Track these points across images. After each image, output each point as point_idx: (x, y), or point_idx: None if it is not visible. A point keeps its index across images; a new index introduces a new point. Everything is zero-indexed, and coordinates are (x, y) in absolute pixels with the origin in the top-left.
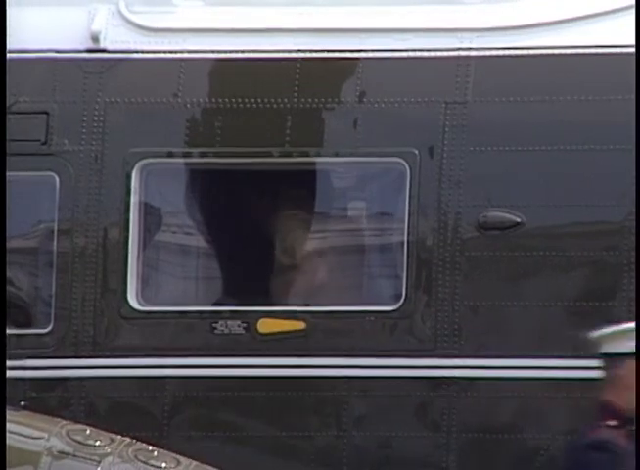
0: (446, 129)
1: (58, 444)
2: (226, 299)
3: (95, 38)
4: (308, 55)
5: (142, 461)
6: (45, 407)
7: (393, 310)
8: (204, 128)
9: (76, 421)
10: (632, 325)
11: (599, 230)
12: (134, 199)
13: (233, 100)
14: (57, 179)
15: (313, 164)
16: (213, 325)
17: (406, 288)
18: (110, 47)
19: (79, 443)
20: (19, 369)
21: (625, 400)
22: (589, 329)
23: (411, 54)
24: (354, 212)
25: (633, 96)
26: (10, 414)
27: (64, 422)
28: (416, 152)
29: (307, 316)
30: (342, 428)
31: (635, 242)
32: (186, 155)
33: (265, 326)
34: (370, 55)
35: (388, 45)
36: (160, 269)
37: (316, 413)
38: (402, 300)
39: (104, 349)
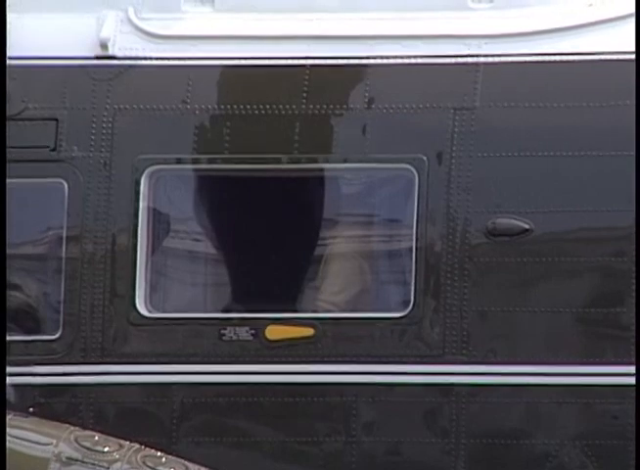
0: (455, 135)
1: (66, 450)
2: (234, 305)
3: (104, 45)
4: (317, 61)
5: (150, 467)
6: (53, 413)
7: (402, 317)
8: (212, 135)
9: (85, 427)
10: None
11: (607, 236)
12: (143, 205)
13: (242, 106)
14: (66, 186)
15: (322, 170)
16: (222, 332)
17: (415, 294)
18: (118, 54)
19: (88, 449)
20: (27, 375)
21: None
22: (598, 335)
23: (419, 60)
24: (363, 219)
25: None
26: (18, 420)
27: (72, 428)
28: (424, 158)
29: (316, 323)
30: (351, 434)
31: (635, 245)
32: (195, 161)
33: (274, 333)
34: (378, 61)
35: (396, 52)
36: (169, 276)
37: (325, 419)
38: (411, 306)
39: (112, 355)
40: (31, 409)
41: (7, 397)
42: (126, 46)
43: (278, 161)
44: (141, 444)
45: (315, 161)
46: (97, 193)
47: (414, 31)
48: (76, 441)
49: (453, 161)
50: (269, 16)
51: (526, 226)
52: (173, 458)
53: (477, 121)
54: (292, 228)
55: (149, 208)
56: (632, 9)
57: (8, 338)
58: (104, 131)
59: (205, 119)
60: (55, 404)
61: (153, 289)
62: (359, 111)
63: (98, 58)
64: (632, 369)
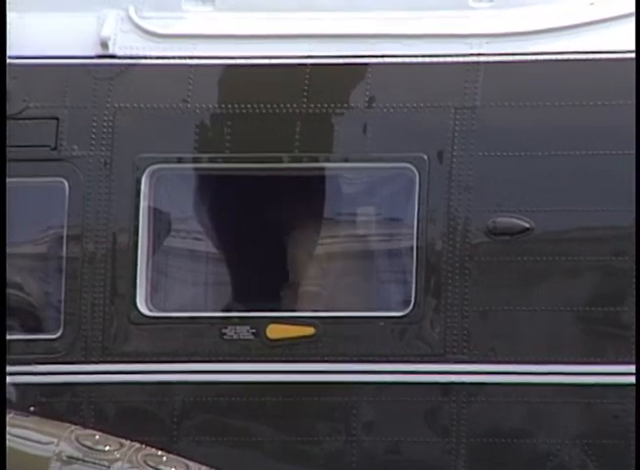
0: (456, 135)
1: (67, 449)
2: (235, 304)
3: (104, 44)
4: (318, 60)
5: (151, 466)
6: (54, 412)
7: (403, 316)
8: (213, 134)
9: (86, 426)
10: None
11: (608, 235)
12: (144, 204)
13: (242, 105)
14: (66, 185)
15: (322, 169)
16: (222, 331)
17: (415, 293)
18: (119, 53)
19: (89, 448)
20: (28, 374)
21: None
22: (599, 334)
23: (420, 59)
24: (363, 218)
25: None
26: (19, 419)
27: (73, 427)
28: (425, 157)
29: (317, 322)
30: (352, 433)
31: (635, 244)
32: (196, 160)
33: (274, 332)
34: (379, 60)
35: (397, 50)
36: (170, 275)
37: (326, 419)
38: (412, 305)
39: (113, 354)
40: (32, 408)
41: (8, 396)
42: (127, 45)
43: (279, 160)
44: (142, 443)
45: (316, 160)
46: (98, 192)
47: (415, 30)
48: (77, 440)
49: (454, 160)
50: (270, 15)
51: (527, 225)
52: (174, 457)
53: (477, 121)
54: (292, 227)
55: (149, 207)
56: (633, 8)
57: (9, 337)
58: (104, 130)
59: (205, 118)
60: (56, 403)
61: (153, 288)
62: (360, 110)
63: (99, 57)
64: (633, 368)
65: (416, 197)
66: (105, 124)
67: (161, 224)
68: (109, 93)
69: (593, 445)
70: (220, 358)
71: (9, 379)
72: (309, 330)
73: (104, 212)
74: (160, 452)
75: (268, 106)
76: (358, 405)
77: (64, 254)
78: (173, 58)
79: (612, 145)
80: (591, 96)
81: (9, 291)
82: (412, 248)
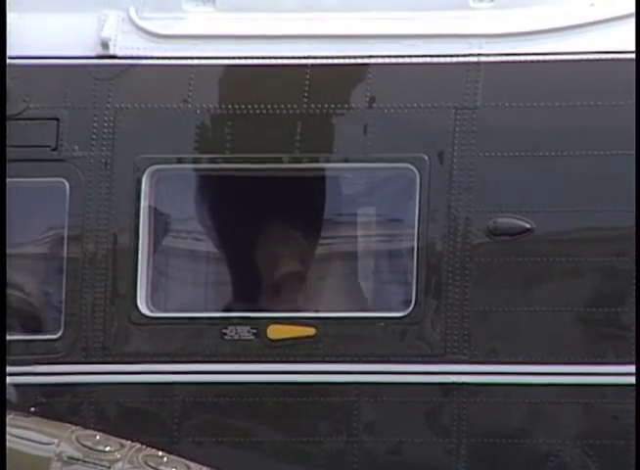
0: (456, 135)
1: (68, 449)
2: (236, 304)
3: (105, 44)
4: (318, 61)
5: (152, 467)
6: (55, 413)
7: (403, 316)
8: (213, 134)
9: (86, 427)
10: None
11: (609, 236)
12: (144, 205)
13: (243, 106)
14: (67, 185)
15: (323, 169)
16: (223, 331)
17: (416, 294)
18: (120, 53)
19: (89, 448)
20: (28, 375)
21: None
22: (599, 335)
23: (421, 60)
24: (364, 218)
25: None
26: (20, 420)
27: (73, 428)
28: (426, 158)
29: (317, 322)
30: (353, 434)
31: (635, 245)
32: (196, 161)
33: (275, 332)
34: (380, 61)
35: (397, 51)
36: (170, 275)
37: (326, 419)
38: (412, 305)
39: (114, 354)
40: (33, 409)
41: (8, 396)
42: (127, 45)
43: (279, 160)
44: (142, 443)
45: (316, 160)
46: (98, 192)
47: (415, 31)
48: (78, 440)
49: (454, 160)
50: (270, 15)
51: (528, 226)
52: (175, 458)
53: (478, 121)
54: (293, 228)
55: (150, 207)
56: (633, 9)
57: (9, 337)
58: (105, 131)
59: (206, 119)
60: (56, 404)
61: (154, 288)
62: (360, 110)
63: (99, 57)
64: (633, 369)
65: (417, 197)
66: (105, 125)
67: (162, 225)
68: (109, 93)
69: (593, 445)
70: (221, 359)
71: (9, 379)
72: (310, 330)
73: (104, 213)
74: (160, 453)
75: (269, 106)
76: (359, 406)
77: (64, 254)
78: (174, 58)
79: (612, 145)
80: (591, 96)
81: (9, 291)
82: (413, 248)
